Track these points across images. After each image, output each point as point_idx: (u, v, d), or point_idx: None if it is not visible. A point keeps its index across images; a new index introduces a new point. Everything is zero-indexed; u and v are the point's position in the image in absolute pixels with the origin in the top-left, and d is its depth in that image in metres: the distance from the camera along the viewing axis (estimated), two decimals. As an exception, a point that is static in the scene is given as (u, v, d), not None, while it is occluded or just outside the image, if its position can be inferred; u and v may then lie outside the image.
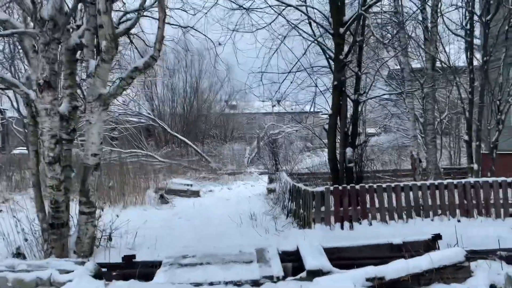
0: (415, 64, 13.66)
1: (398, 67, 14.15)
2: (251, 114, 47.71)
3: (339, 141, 7.70)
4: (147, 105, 32.28)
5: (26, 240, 5.33)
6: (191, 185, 14.53)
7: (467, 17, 10.06)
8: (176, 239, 7.36)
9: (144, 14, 7.56)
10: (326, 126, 7.31)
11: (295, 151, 18.95)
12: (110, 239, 6.49)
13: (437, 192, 7.28)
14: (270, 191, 13.41)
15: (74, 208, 6.27)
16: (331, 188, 6.66)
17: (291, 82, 8.92)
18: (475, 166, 9.77)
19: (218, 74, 35.37)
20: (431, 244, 4.97)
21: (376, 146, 16.30)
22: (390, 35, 10.60)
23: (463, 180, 7.47)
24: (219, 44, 8.04)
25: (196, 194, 14.46)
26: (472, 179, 7.61)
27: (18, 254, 4.89)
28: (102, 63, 5.54)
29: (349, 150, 6.96)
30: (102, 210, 10.52)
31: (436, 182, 7.36)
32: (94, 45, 6.00)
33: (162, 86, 33.37)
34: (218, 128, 36.35)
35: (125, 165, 17.04)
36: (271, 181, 13.50)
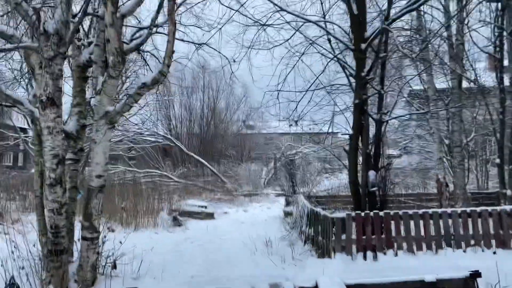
0: (439, 84, 13.10)
1: (420, 87, 13.62)
2: (268, 134, 47.43)
3: (360, 163, 7.19)
4: (164, 124, 32.38)
5: (22, 268, 4.95)
6: (206, 207, 14.11)
7: (496, 34, 9.54)
8: (185, 266, 6.88)
9: (157, 31, 7.32)
10: (347, 147, 6.82)
11: (312, 173, 18.39)
12: (114, 266, 6.06)
13: (469, 220, 6.65)
14: (286, 214, 12.86)
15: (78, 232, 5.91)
16: (353, 214, 6.13)
17: (309, 101, 8.50)
18: (508, 192, 9.06)
19: (235, 93, 35.50)
20: (470, 282, 4.37)
21: (400, 169, 15.59)
22: (413, 53, 10.14)
23: (498, 208, 6.82)
24: (234, 61, 7.72)
25: (210, 216, 14.01)
26: (508, 207, 6.95)
27: (12, 285, 4.50)
28: (109, 79, 5.25)
29: (372, 174, 6.45)
30: (113, 231, 10.25)
31: (468, 210, 6.73)
32: (102, 60, 5.73)
33: (180, 106, 33.49)
34: (235, 148, 36.09)
35: (139, 185, 16.82)
36: (288, 203, 12.96)
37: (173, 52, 5.13)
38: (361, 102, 6.50)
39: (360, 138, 6.76)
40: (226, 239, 9.86)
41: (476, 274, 4.47)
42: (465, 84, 11.08)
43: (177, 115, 33.37)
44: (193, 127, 33.96)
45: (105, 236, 5.95)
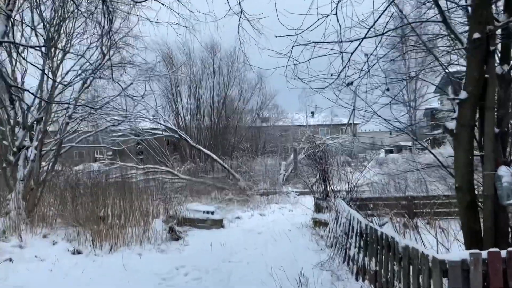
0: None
1: None
2: (284, 126, 44.45)
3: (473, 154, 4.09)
4: (171, 116, 29.57)
5: None
6: (212, 212, 11.13)
7: None
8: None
9: None
10: (449, 124, 3.75)
11: (343, 167, 15.28)
12: None
13: None
14: (317, 223, 9.80)
15: None
16: (483, 254, 3.06)
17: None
18: None
19: (248, 79, 32.38)
20: None
21: None
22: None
23: None
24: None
25: (218, 224, 11.04)
26: None
27: None
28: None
29: (505, 171, 3.37)
30: (79, 254, 7.31)
31: None
32: None
33: (188, 96, 30.59)
34: (249, 141, 33.09)
35: (133, 184, 13.94)
36: (319, 209, 9.89)
37: None
38: (485, 37, 3.42)
39: (479, 107, 3.64)
40: (237, 265, 6.87)
41: None
42: None
43: (185, 105, 30.50)
44: (203, 118, 31.03)
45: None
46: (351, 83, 4.65)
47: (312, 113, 69.93)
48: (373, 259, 4.99)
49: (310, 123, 59.36)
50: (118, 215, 9.39)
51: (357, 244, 5.83)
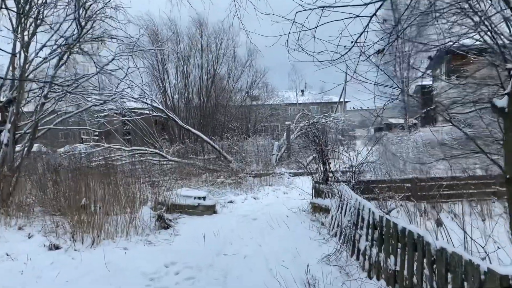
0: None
1: None
2: (274, 105, 43.69)
3: None
4: (158, 95, 28.48)
5: None
6: (204, 197, 10.43)
7: None
8: None
9: None
10: (499, 101, 3.07)
11: (336, 146, 14.66)
12: None
13: None
14: (316, 208, 9.18)
15: None
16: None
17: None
18: None
19: (238, 56, 31.31)
20: None
21: None
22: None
23: None
24: None
25: (210, 210, 10.37)
26: None
27: None
28: None
29: None
30: (57, 249, 6.55)
31: None
32: None
33: (175, 74, 29.43)
34: (239, 120, 32.25)
35: (118, 167, 13.11)
36: (318, 194, 9.25)
37: None
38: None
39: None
40: (233, 259, 6.20)
41: None
42: None
43: (173, 84, 29.38)
44: (191, 98, 30.00)
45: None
46: (382, 50, 3.88)
47: (302, 91, 68.99)
48: (392, 257, 4.35)
49: (300, 101, 58.55)
50: (102, 202, 8.64)
51: (369, 237, 5.19)
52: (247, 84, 33.75)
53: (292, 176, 17.07)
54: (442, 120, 28.15)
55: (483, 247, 3.83)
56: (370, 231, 5.17)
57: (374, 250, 4.94)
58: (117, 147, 17.90)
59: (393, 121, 60.13)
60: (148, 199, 10.17)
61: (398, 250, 4.25)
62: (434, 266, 3.36)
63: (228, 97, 31.03)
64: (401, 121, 48.89)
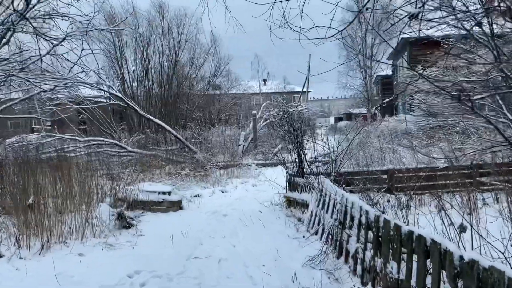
0: None
1: None
2: (238, 94, 43.00)
3: None
4: (115, 82, 26.91)
5: None
6: (169, 192, 9.62)
7: None
8: None
9: None
10: None
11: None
12: None
13: None
14: (291, 202, 8.63)
15: None
16: None
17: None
18: None
19: (201, 43, 30.08)
20: None
21: None
22: None
23: None
24: None
25: (176, 206, 9.59)
26: None
27: None
28: None
29: None
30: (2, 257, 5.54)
31: None
32: None
33: (134, 60, 27.93)
34: (202, 110, 31.26)
35: (73, 159, 11.94)
36: (293, 187, 8.69)
37: None
38: None
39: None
40: (206, 264, 5.50)
41: None
42: None
43: (132, 71, 27.87)
44: (152, 85, 28.63)
45: None
46: (418, 14, 3.30)
47: (265, 80, 68.56)
48: (394, 264, 3.83)
49: (263, 90, 58.13)
50: (53, 200, 7.63)
51: (362, 239, 4.67)
52: (210, 72, 32.75)
53: (260, 167, 16.50)
54: (403, 110, 28.53)
55: (503, 253, 3.36)
56: (363, 231, 4.64)
57: (368, 254, 4.42)
58: (71, 137, 16.52)
59: (352, 110, 61.06)
60: (107, 195, 9.22)
61: (403, 255, 3.73)
62: (458, 280, 2.85)
63: (191, 85, 29.95)
64: (363, 110, 49.70)
